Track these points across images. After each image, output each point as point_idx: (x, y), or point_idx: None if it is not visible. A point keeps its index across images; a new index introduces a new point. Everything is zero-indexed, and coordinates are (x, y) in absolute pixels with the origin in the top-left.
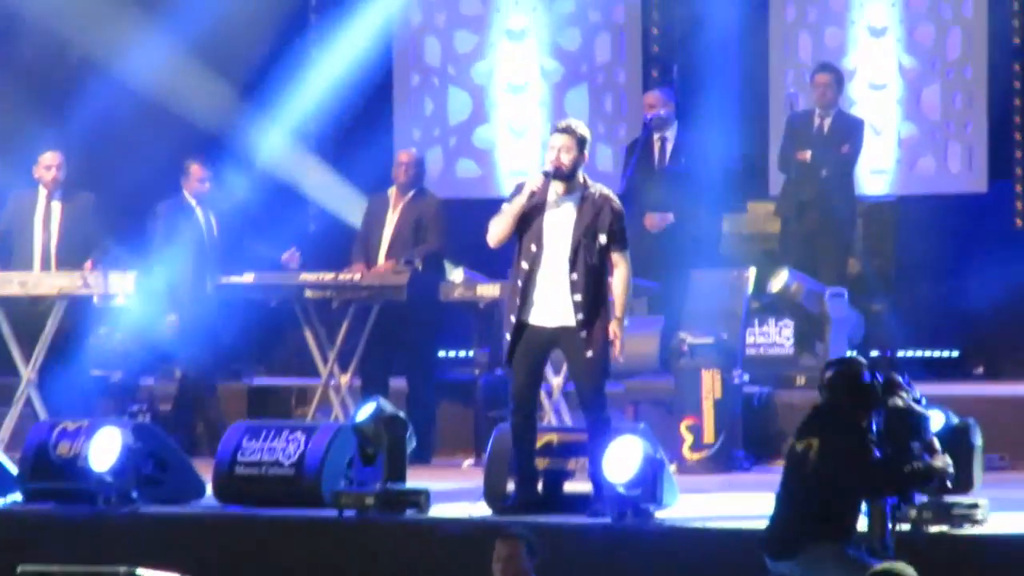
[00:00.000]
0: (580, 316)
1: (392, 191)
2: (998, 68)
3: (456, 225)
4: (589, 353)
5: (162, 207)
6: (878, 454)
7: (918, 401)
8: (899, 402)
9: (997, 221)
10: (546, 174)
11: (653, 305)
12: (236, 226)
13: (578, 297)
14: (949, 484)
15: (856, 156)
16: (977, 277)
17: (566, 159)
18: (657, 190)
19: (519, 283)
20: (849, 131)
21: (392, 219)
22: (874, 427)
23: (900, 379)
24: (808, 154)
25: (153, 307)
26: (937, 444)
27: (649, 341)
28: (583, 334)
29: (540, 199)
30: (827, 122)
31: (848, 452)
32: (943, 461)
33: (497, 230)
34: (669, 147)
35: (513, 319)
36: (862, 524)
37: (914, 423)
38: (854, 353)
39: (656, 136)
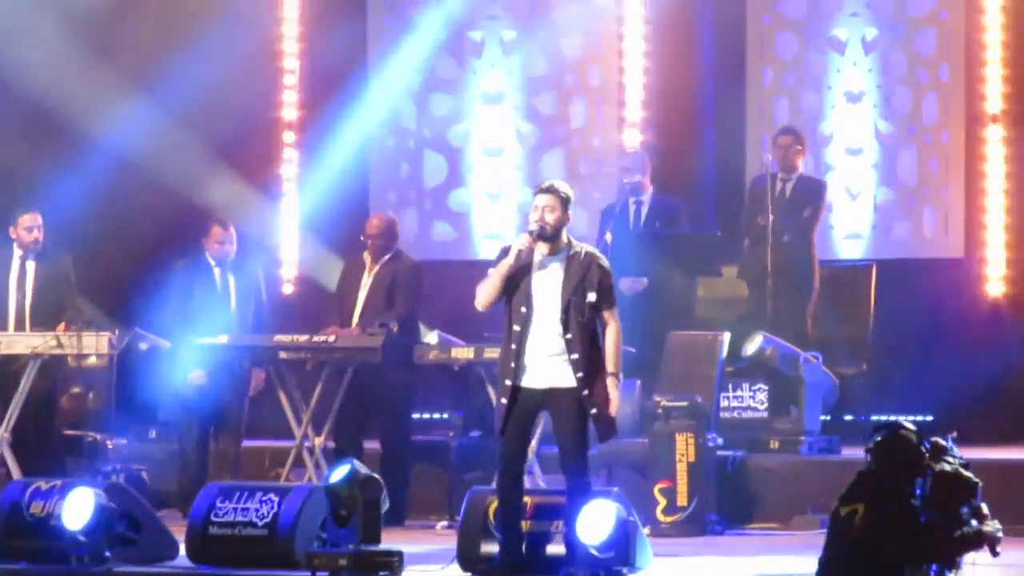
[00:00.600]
0: (580, 375)
1: (367, 254)
2: (974, 133)
3: (431, 287)
4: (593, 411)
5: (180, 265)
6: (924, 519)
7: (965, 466)
8: (946, 467)
9: (973, 285)
10: (531, 233)
11: (627, 368)
12: (253, 288)
13: (575, 356)
14: (999, 550)
15: (817, 218)
16: (952, 341)
17: (550, 218)
18: (632, 253)
19: (512, 346)
20: (811, 194)
21: (367, 282)
22: (919, 492)
23: (946, 443)
24: (770, 220)
25: (180, 361)
26: (986, 509)
27: (624, 404)
28: (585, 393)
29: (526, 261)
30: (789, 186)
31: (895, 517)
32: (992, 526)
33: (485, 293)
34: (644, 211)
35: (508, 383)
36: None
37: (963, 488)
38: (826, 417)
39: (631, 200)
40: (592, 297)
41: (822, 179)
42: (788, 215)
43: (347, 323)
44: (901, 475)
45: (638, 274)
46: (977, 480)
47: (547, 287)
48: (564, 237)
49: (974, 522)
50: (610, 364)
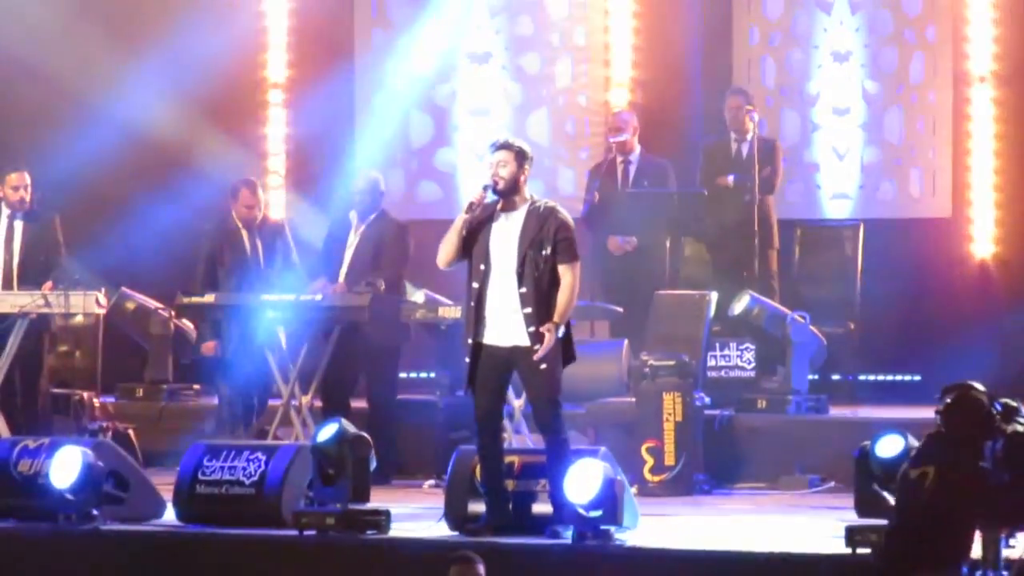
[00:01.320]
0: (531, 329)
1: (353, 214)
2: (962, 93)
3: (418, 247)
4: (542, 366)
5: (209, 228)
6: (996, 482)
7: None
8: (1019, 428)
9: (960, 245)
10: (485, 188)
11: (615, 327)
12: (282, 249)
13: (528, 310)
14: None
15: (775, 178)
16: (940, 302)
17: (504, 172)
18: (620, 213)
19: (472, 303)
20: (767, 154)
21: (353, 241)
22: (991, 454)
23: (1018, 405)
24: (730, 179)
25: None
26: None
27: (611, 363)
28: (536, 347)
29: (484, 217)
30: (744, 146)
31: (966, 480)
32: None
33: (443, 250)
34: (632, 170)
35: (470, 341)
36: (975, 550)
37: None
38: (814, 376)
39: (620, 159)
40: (548, 251)
41: (775, 140)
42: (747, 175)
43: (334, 279)
44: (972, 437)
45: (626, 234)
46: None
47: (505, 242)
48: (524, 193)
49: None
50: (555, 314)
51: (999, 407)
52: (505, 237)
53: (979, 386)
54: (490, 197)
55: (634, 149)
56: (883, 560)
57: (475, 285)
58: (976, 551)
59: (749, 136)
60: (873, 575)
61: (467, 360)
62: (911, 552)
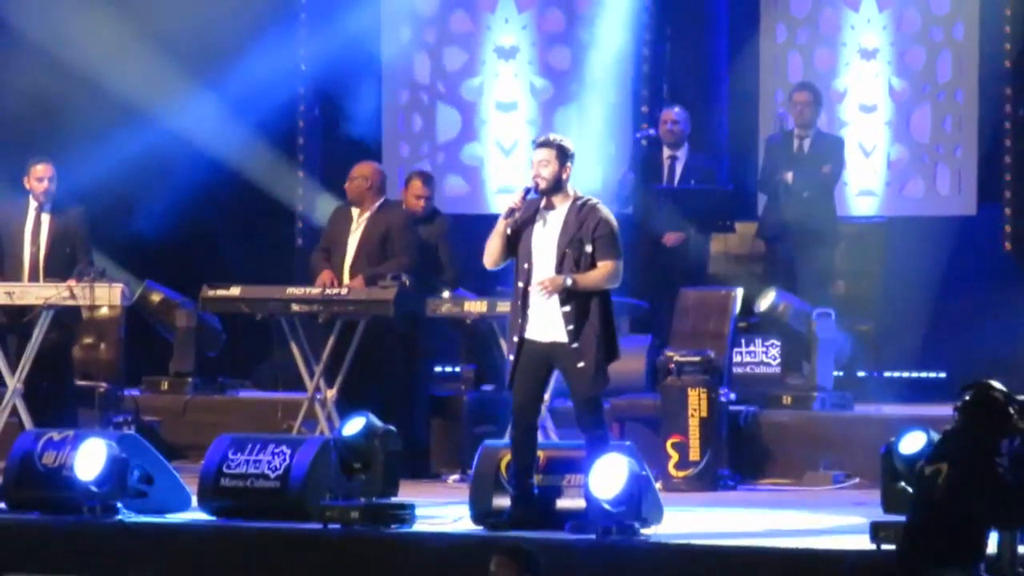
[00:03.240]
0: (570, 327)
1: (352, 204)
2: (988, 91)
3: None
4: (580, 364)
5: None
6: (1011, 480)
7: None
8: None
9: (986, 243)
10: (525, 191)
11: (640, 323)
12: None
13: (567, 309)
14: None
15: (839, 175)
16: (965, 299)
17: (545, 172)
18: (665, 209)
19: (517, 302)
20: (830, 150)
21: (356, 232)
22: (1007, 452)
23: None
24: (790, 175)
25: None
26: None
27: (636, 359)
28: (574, 346)
29: (528, 216)
30: (807, 142)
31: (980, 478)
32: None
33: (488, 252)
34: (679, 167)
35: (515, 338)
36: (991, 548)
37: None
38: (839, 373)
39: (667, 155)
40: (589, 248)
41: (839, 135)
42: (808, 172)
43: (337, 273)
44: (988, 435)
45: (671, 229)
46: None
47: (546, 241)
48: (568, 191)
49: None
50: (580, 277)
51: (1016, 406)
52: (547, 235)
53: (998, 384)
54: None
55: (683, 145)
56: (898, 557)
57: (520, 284)
58: (992, 549)
59: (812, 132)
60: (896, 572)
61: (510, 357)
62: (925, 549)
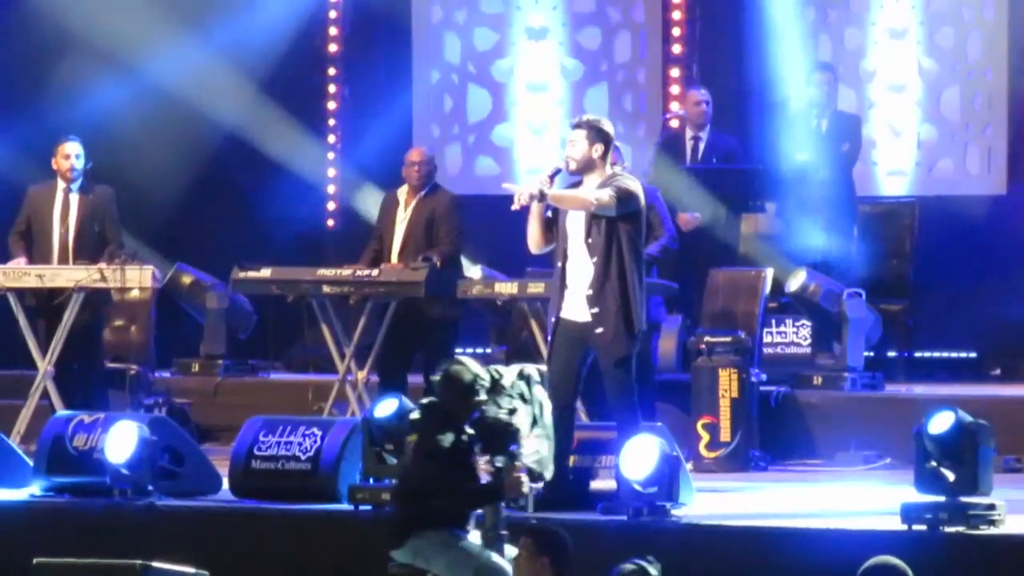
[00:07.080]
0: (595, 310)
1: (403, 189)
2: (1018, 71)
3: (474, 222)
4: (599, 330)
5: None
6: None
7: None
8: (496, 409)
9: (1016, 223)
10: (555, 171)
11: (671, 304)
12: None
13: (590, 292)
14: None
15: (856, 153)
16: (995, 279)
17: (574, 152)
18: (686, 188)
19: (558, 283)
20: (847, 129)
21: (404, 218)
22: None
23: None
24: (806, 155)
25: None
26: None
27: (667, 340)
28: (599, 331)
29: None
30: (824, 122)
31: (443, 450)
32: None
33: (529, 236)
34: (702, 147)
35: (553, 319)
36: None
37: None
38: (870, 353)
39: (690, 135)
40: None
41: (855, 114)
42: (826, 151)
43: (387, 260)
44: (453, 409)
45: (692, 210)
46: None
47: (577, 220)
48: (605, 169)
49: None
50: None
51: (489, 383)
52: (577, 215)
53: (469, 360)
54: (563, 177)
55: (707, 126)
56: (387, 521)
57: (559, 264)
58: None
59: (829, 111)
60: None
61: (549, 338)
62: (408, 513)
